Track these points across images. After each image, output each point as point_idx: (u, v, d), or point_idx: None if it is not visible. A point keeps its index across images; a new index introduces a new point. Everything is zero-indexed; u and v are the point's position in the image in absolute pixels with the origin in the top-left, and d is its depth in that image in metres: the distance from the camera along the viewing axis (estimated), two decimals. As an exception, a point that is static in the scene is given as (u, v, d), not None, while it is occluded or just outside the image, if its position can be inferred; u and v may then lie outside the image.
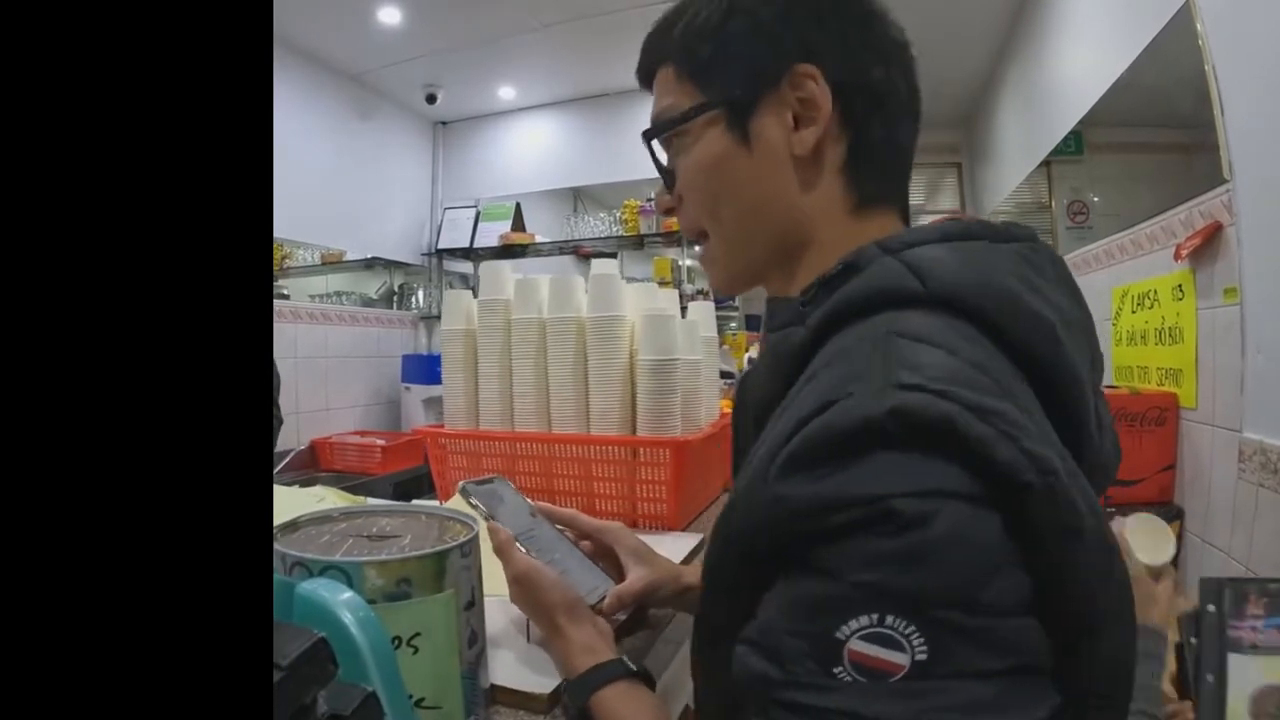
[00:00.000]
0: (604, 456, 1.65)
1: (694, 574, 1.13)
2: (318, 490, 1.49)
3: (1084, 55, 3.30)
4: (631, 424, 1.68)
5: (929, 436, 0.48)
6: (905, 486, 0.47)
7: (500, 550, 1.01)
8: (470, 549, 0.78)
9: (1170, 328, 2.46)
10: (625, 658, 0.90)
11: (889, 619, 0.46)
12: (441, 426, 1.89)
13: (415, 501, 1.80)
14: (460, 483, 1.09)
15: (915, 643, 0.46)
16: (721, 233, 0.76)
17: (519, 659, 1.01)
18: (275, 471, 3.86)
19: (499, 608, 1.07)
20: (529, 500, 1.18)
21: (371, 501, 1.40)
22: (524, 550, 1.02)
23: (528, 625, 1.05)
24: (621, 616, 1.10)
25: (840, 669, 0.47)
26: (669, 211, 0.83)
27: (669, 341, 1.62)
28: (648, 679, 0.89)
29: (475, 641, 0.80)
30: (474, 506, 1.06)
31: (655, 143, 0.80)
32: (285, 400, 4.01)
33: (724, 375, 2.51)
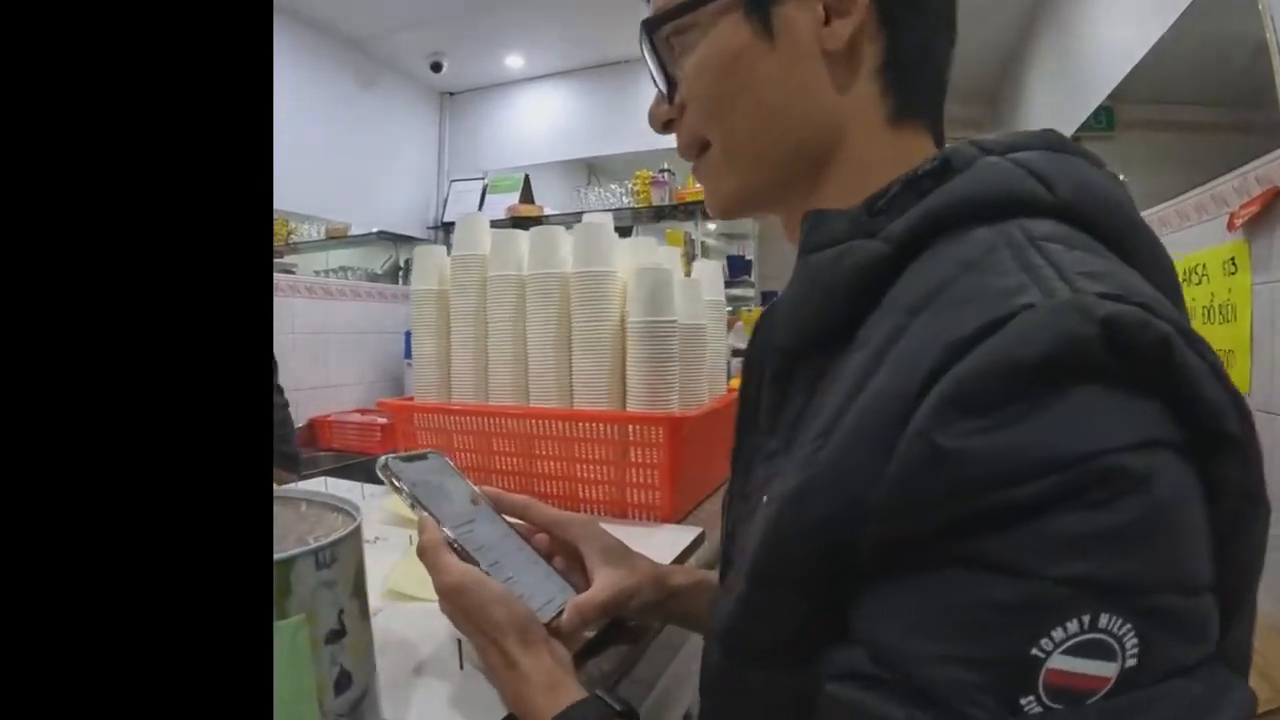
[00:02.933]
0: (589, 435, 1.40)
1: (685, 575, 0.93)
2: None
3: (1118, 21, 3.11)
4: (621, 397, 1.43)
5: (1140, 365, 0.37)
6: (1124, 437, 0.36)
7: (425, 552, 0.78)
8: (335, 555, 0.54)
9: (1221, 305, 2.24)
10: (603, 693, 0.70)
11: (1103, 618, 0.35)
12: (410, 399, 1.65)
13: (370, 489, 1.58)
14: (382, 457, 0.85)
15: (1128, 644, 0.36)
16: (729, 140, 0.64)
17: (451, 693, 0.77)
18: None
19: (425, 619, 0.86)
20: (471, 483, 0.94)
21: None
22: (458, 550, 0.78)
23: (460, 646, 0.82)
24: (588, 634, 0.86)
25: (1030, 699, 0.36)
26: (667, 125, 0.70)
27: (664, 301, 1.37)
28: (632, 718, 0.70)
29: (347, 685, 0.55)
30: (397, 490, 0.82)
31: (653, 42, 0.67)
32: (284, 378, 3.84)
33: (736, 354, 2.26)
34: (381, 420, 3.94)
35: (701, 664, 0.62)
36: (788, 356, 0.59)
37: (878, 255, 0.50)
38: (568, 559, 0.92)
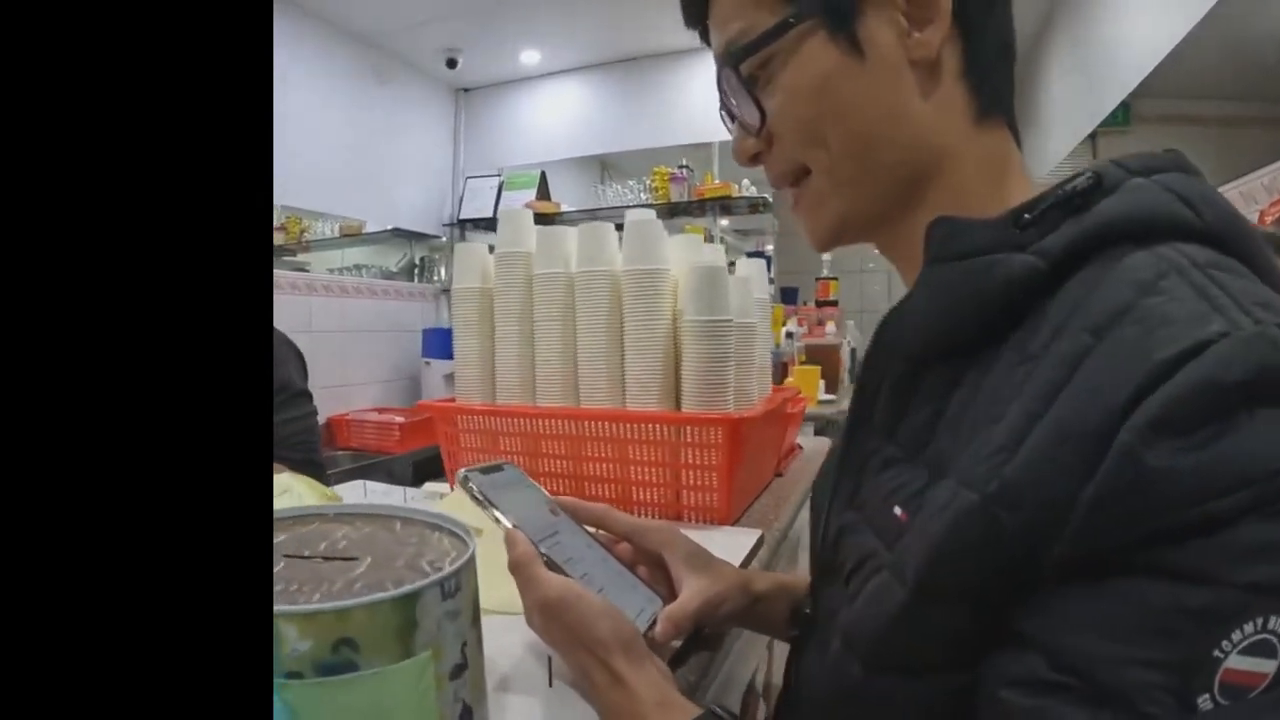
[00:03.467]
0: (642, 436, 1.35)
1: (766, 580, 0.90)
2: (284, 479, 1.20)
3: (1140, 16, 3.05)
4: (675, 398, 1.38)
5: None
6: None
7: (519, 567, 0.74)
8: (459, 584, 0.49)
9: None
10: (718, 707, 0.72)
11: (1272, 620, 0.37)
12: (453, 400, 1.60)
13: (412, 493, 1.53)
14: (460, 471, 0.81)
15: None
16: (832, 165, 0.63)
17: (542, 711, 0.73)
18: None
19: (503, 631, 0.82)
20: (546, 492, 0.90)
21: (332, 502, 1.12)
22: (548, 563, 0.74)
23: (550, 662, 0.78)
24: (675, 644, 0.83)
25: (1205, 697, 0.38)
26: (754, 159, 0.68)
27: (720, 298, 1.32)
28: None
29: (469, 721, 0.50)
30: (480, 503, 0.79)
31: (735, 76, 0.65)
32: None
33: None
34: (399, 419, 3.90)
35: (816, 674, 0.64)
36: (915, 362, 0.59)
37: (1032, 270, 0.50)
38: (650, 567, 0.88)
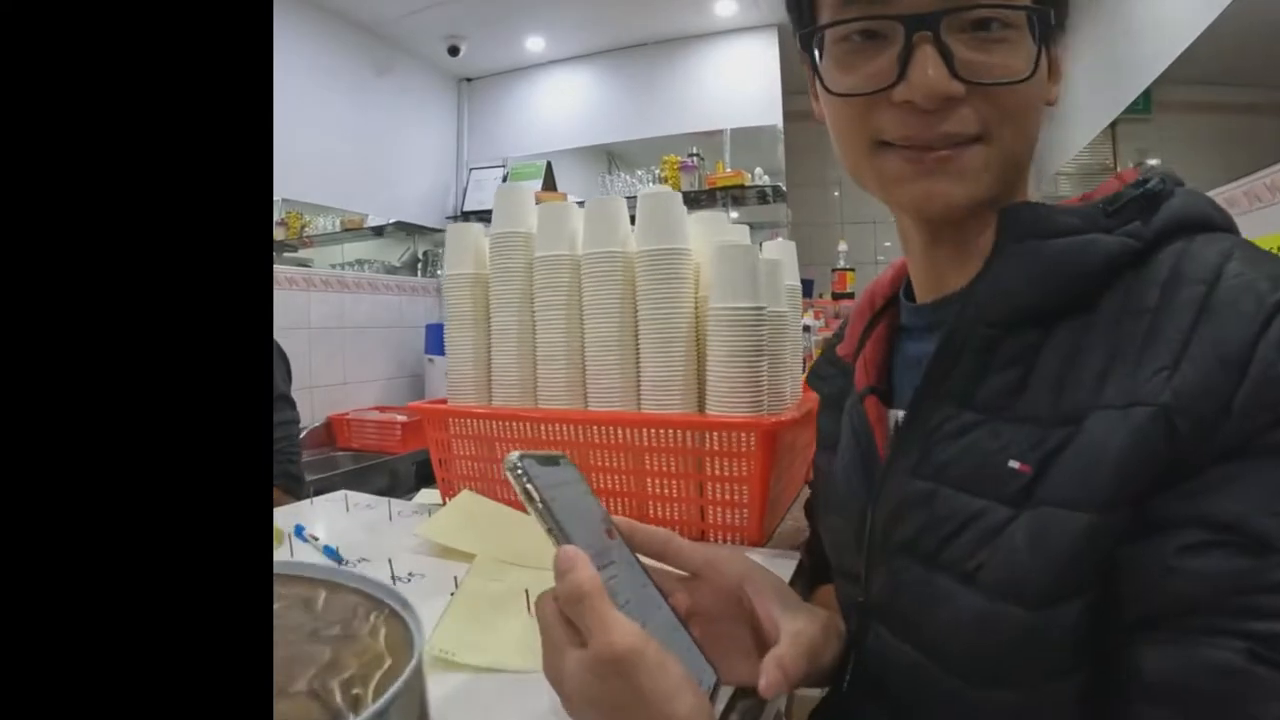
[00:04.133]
0: (661, 444, 1.15)
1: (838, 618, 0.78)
2: None
3: (1165, 4, 3.00)
4: (698, 398, 1.18)
5: None
6: None
7: (583, 597, 0.54)
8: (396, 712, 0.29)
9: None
10: None
11: None
12: (444, 401, 1.40)
13: (399, 506, 1.33)
14: (514, 454, 0.58)
15: None
16: (1009, 145, 0.65)
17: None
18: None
19: (485, 692, 0.70)
20: (602, 504, 0.68)
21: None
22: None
23: None
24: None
25: None
26: (946, 102, 0.63)
27: (750, 283, 1.12)
28: None
29: None
30: (530, 500, 0.56)
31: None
32: (299, 375, 3.63)
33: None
34: (401, 418, 3.73)
35: (929, 643, 0.63)
36: (998, 328, 0.62)
37: (1127, 248, 0.59)
38: (722, 607, 0.71)
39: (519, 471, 0.57)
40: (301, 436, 3.57)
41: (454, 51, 4.55)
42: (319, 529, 1.27)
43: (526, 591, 0.90)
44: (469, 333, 1.34)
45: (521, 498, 0.57)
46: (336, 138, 4.19)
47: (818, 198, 5.30)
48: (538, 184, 4.69)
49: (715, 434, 1.11)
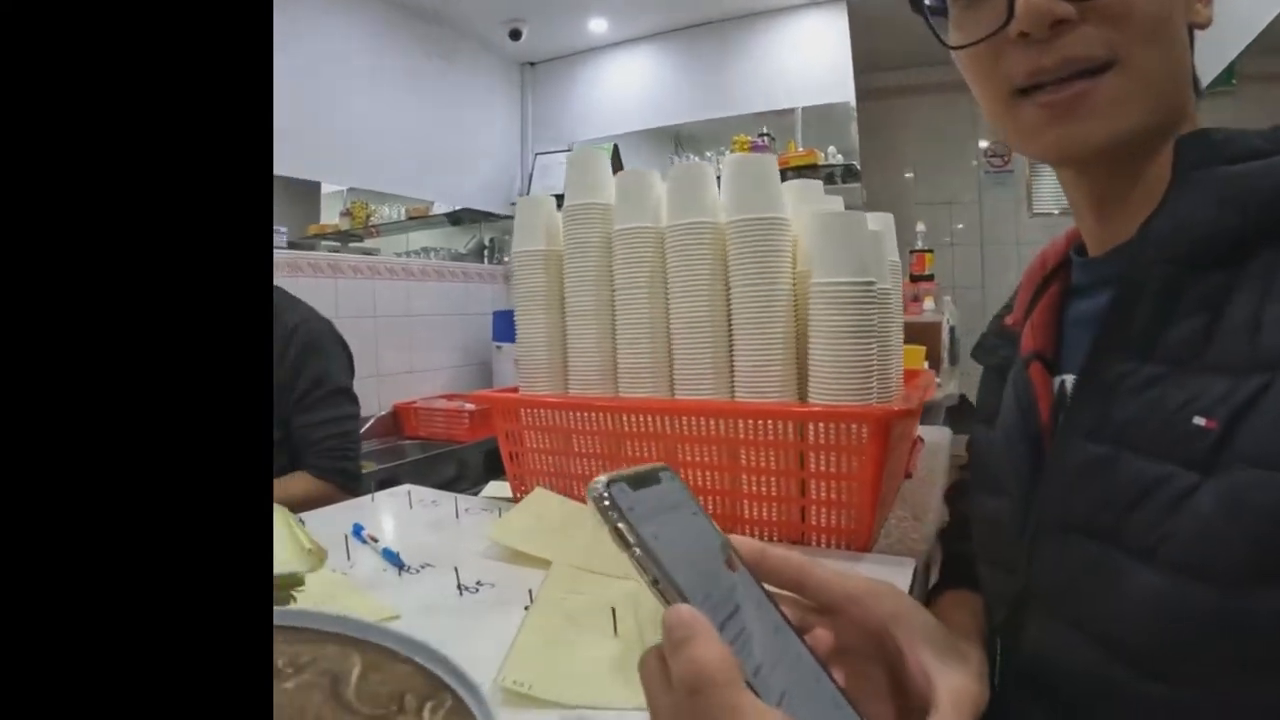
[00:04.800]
0: (758, 436, 1.02)
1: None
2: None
3: None
4: (799, 386, 1.04)
5: None
6: None
7: (712, 688, 0.38)
8: None
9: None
10: None
11: None
12: (515, 390, 1.28)
13: (467, 502, 1.21)
14: (600, 479, 0.42)
15: None
16: (1149, 68, 0.58)
17: None
18: None
19: None
20: (715, 525, 0.50)
21: (305, 555, 0.79)
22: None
23: None
24: None
25: None
26: (1056, 25, 0.57)
27: (858, 255, 0.98)
28: None
29: None
30: (623, 542, 0.41)
31: None
32: (365, 364, 3.58)
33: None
34: (469, 407, 3.64)
35: (1106, 629, 0.55)
36: (1181, 267, 0.55)
37: None
38: (860, 645, 0.56)
39: (606, 503, 0.42)
40: (368, 425, 3.54)
41: (515, 35, 4.44)
42: (380, 528, 1.17)
43: (613, 610, 0.77)
44: (541, 314, 1.22)
45: (613, 540, 0.42)
46: (400, 126, 4.12)
47: (892, 178, 5.09)
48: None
49: (820, 425, 0.97)
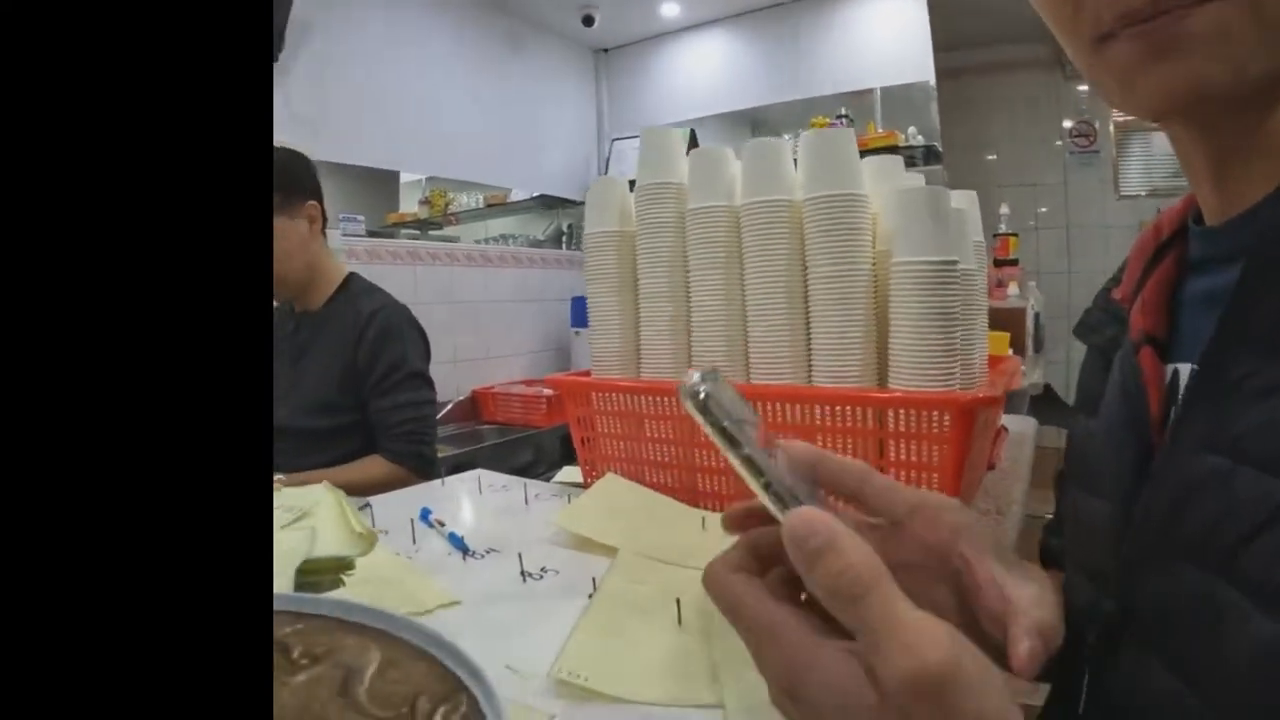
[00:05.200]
0: (836, 423, 0.97)
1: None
2: (315, 493, 0.85)
3: None
4: (879, 370, 0.99)
5: None
6: None
7: (866, 596, 0.36)
8: None
9: None
10: None
11: None
12: (587, 374, 1.25)
13: (536, 488, 1.19)
14: (691, 380, 0.40)
15: None
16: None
17: None
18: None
19: None
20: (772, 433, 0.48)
21: (359, 538, 0.76)
22: None
23: None
24: None
25: None
26: None
27: (943, 233, 0.93)
28: None
29: None
30: (736, 449, 0.40)
31: None
32: (442, 349, 3.60)
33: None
34: (547, 392, 3.66)
35: (1202, 675, 0.43)
36: None
37: None
38: (923, 562, 0.52)
39: (706, 399, 0.40)
40: (446, 410, 3.57)
41: (588, 22, 4.41)
42: (448, 513, 1.15)
43: (678, 601, 0.74)
44: (613, 297, 1.19)
45: (717, 440, 0.40)
46: (477, 115, 4.15)
47: (974, 160, 4.93)
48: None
49: (900, 412, 0.92)
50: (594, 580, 0.84)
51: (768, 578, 0.43)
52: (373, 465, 1.76)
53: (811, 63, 4.29)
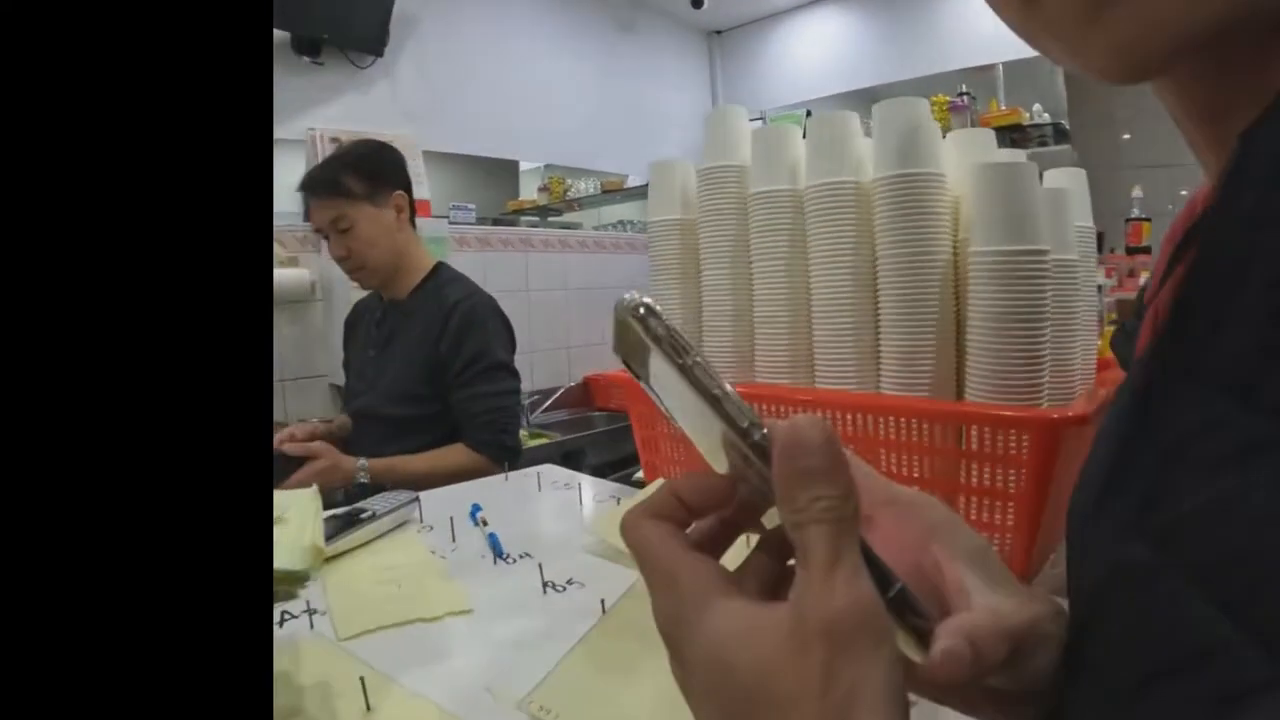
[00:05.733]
0: (903, 438, 0.84)
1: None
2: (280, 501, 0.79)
3: None
4: (954, 377, 0.86)
5: None
6: None
7: (844, 531, 0.31)
8: None
9: None
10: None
11: None
12: (645, 372, 1.15)
13: (601, 489, 1.12)
14: (630, 297, 0.34)
15: None
16: None
17: None
18: (542, 409, 3.53)
19: None
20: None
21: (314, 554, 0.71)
22: None
23: None
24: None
25: None
26: None
27: (1027, 218, 0.79)
28: None
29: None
30: (684, 356, 0.32)
31: None
32: (553, 334, 3.68)
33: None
34: (661, 379, 3.58)
35: None
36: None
37: None
38: (894, 560, 0.40)
39: (646, 312, 0.34)
40: (557, 395, 3.53)
41: (697, 3, 4.30)
42: (497, 510, 1.10)
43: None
44: (675, 288, 1.09)
45: (658, 351, 0.33)
46: (590, 101, 4.13)
47: (1106, 139, 4.56)
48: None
49: (973, 430, 0.79)
50: (602, 604, 0.77)
51: (690, 529, 0.38)
52: (456, 453, 1.75)
53: (930, 38, 4.08)
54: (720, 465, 0.37)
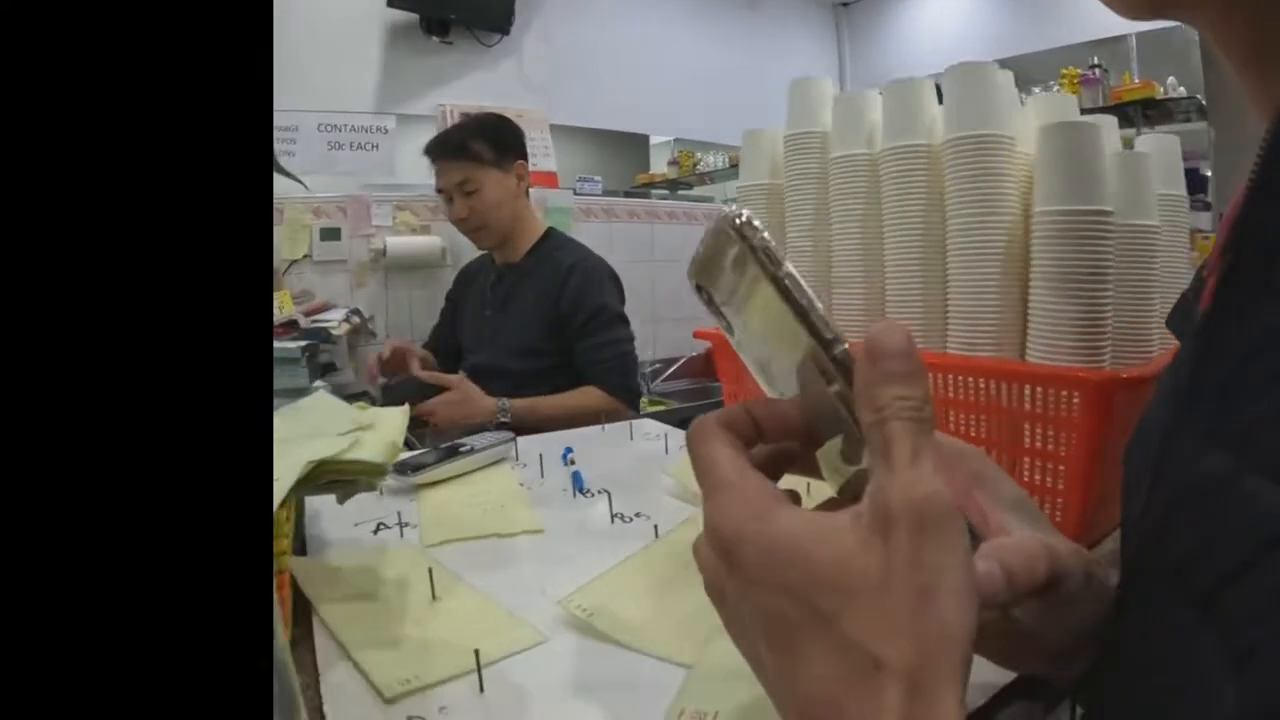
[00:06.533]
0: (964, 397, 0.85)
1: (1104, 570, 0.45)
2: (368, 416, 0.85)
3: None
4: (1020, 340, 0.85)
5: None
6: None
7: (915, 424, 0.32)
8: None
9: None
10: None
11: None
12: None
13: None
14: (731, 210, 0.36)
15: None
16: None
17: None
18: (663, 378, 3.61)
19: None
20: None
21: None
22: None
23: None
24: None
25: None
26: None
27: (1090, 178, 0.77)
28: None
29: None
30: (777, 268, 0.34)
31: None
32: (678, 305, 3.68)
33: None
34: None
35: None
36: None
37: None
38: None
39: (746, 221, 0.35)
40: (678, 365, 3.58)
41: (822, -25, 4.23)
42: (587, 454, 1.20)
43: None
44: (763, 252, 1.11)
45: (755, 263, 0.35)
46: (717, 75, 4.13)
47: (1245, 114, 4.24)
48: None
49: (1028, 389, 0.79)
50: (655, 529, 0.85)
51: (753, 450, 0.38)
52: (591, 396, 1.90)
53: (1060, 8, 3.91)
54: (787, 392, 0.38)
